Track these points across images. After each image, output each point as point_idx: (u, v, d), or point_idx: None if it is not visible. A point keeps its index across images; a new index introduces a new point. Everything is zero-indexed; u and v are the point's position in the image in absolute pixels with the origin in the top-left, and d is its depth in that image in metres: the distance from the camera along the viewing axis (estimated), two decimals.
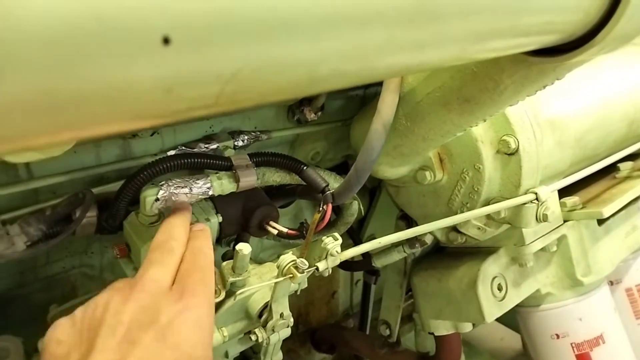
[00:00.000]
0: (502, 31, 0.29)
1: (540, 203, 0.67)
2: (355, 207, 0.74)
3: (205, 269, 0.42)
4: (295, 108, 0.76)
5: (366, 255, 0.86)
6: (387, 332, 0.95)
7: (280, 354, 0.74)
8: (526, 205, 0.67)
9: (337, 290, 1.24)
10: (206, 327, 0.36)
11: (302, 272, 0.54)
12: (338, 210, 0.76)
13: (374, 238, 0.58)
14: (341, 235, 0.57)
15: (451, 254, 0.83)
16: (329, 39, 0.19)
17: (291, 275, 0.55)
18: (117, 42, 0.16)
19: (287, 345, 1.13)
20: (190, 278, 0.39)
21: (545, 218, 0.67)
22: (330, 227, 0.77)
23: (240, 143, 0.72)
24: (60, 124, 0.16)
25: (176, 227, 0.46)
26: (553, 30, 0.34)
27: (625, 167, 0.93)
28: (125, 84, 0.16)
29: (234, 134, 0.71)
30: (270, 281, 0.55)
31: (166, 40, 0.16)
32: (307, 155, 0.88)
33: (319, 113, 0.77)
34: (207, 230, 0.49)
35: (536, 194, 0.67)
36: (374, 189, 1.04)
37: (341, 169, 0.94)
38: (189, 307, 0.36)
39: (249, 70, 0.17)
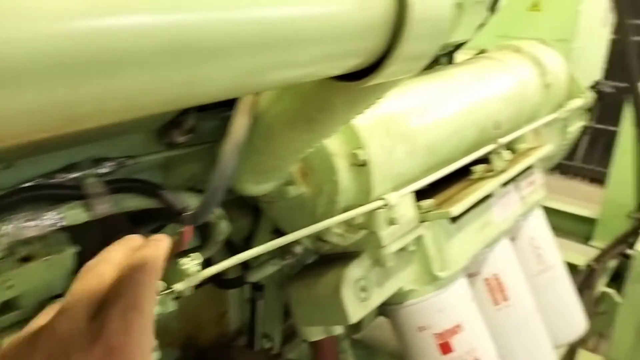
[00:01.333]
0: (286, 63, 0.34)
1: (389, 208, 0.74)
2: (223, 226, 0.77)
3: (139, 289, 0.35)
4: (164, 131, 0.77)
5: (245, 271, 0.89)
6: (269, 344, 0.98)
7: None
8: (377, 211, 0.73)
9: (228, 310, 1.24)
10: None
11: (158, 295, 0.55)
12: (207, 231, 0.79)
13: None
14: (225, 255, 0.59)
15: (322, 261, 0.87)
16: (119, 80, 0.22)
17: None
18: None
19: None
20: (115, 308, 0.33)
21: (394, 221, 0.74)
22: (201, 248, 0.79)
23: (105, 170, 0.71)
24: None
25: (113, 251, 0.39)
26: (342, 58, 0.39)
27: (478, 169, 1.04)
28: None
29: (98, 162, 0.70)
30: None
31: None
32: (184, 177, 0.89)
33: (190, 135, 0.79)
34: (162, 243, 0.41)
35: (385, 200, 0.74)
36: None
37: None
38: (107, 352, 0.31)
39: (75, 99, 0.20)
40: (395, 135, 0.82)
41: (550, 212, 3.09)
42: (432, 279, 0.90)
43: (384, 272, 0.85)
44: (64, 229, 0.60)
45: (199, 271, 0.60)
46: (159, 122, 0.77)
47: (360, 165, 0.74)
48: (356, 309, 0.80)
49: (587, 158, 4.16)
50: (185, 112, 0.77)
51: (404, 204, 0.84)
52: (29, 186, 0.58)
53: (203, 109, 0.82)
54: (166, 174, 0.86)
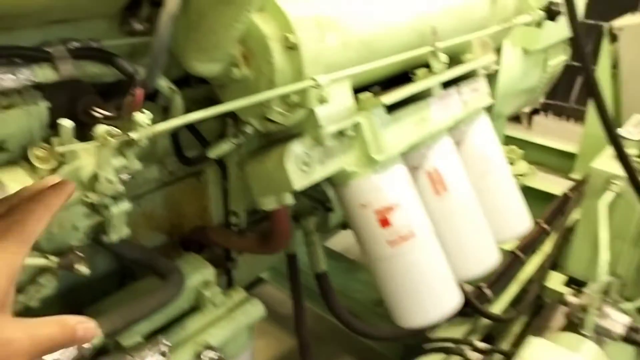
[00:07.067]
0: None
1: (320, 88, 0.86)
2: (177, 101, 0.89)
3: (29, 215, 0.46)
4: (124, 19, 0.88)
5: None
6: (235, 220, 1.13)
7: (125, 229, 0.89)
8: (308, 88, 0.85)
9: (209, 205, 1.39)
10: None
11: (113, 136, 0.69)
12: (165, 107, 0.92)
13: None
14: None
15: (272, 142, 1.00)
16: None
17: (106, 139, 0.70)
18: None
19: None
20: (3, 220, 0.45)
21: (324, 99, 0.86)
22: None
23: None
24: None
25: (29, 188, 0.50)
26: None
27: (419, 72, 1.15)
28: None
29: (67, 41, 0.82)
30: (87, 144, 0.70)
31: None
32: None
33: (148, 24, 0.89)
34: (68, 187, 0.50)
35: (315, 79, 0.85)
36: None
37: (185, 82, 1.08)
38: None
39: None
40: (324, 26, 0.92)
41: (536, 148, 3.20)
42: (371, 162, 1.03)
43: (324, 151, 0.98)
44: (37, 87, 0.73)
45: (150, 125, 0.73)
46: (114, 7, 0.86)
47: (291, 48, 0.85)
48: (299, 178, 0.93)
49: (581, 100, 4.19)
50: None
51: (340, 92, 0.96)
52: (5, 46, 0.71)
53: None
54: (131, 62, 0.97)
